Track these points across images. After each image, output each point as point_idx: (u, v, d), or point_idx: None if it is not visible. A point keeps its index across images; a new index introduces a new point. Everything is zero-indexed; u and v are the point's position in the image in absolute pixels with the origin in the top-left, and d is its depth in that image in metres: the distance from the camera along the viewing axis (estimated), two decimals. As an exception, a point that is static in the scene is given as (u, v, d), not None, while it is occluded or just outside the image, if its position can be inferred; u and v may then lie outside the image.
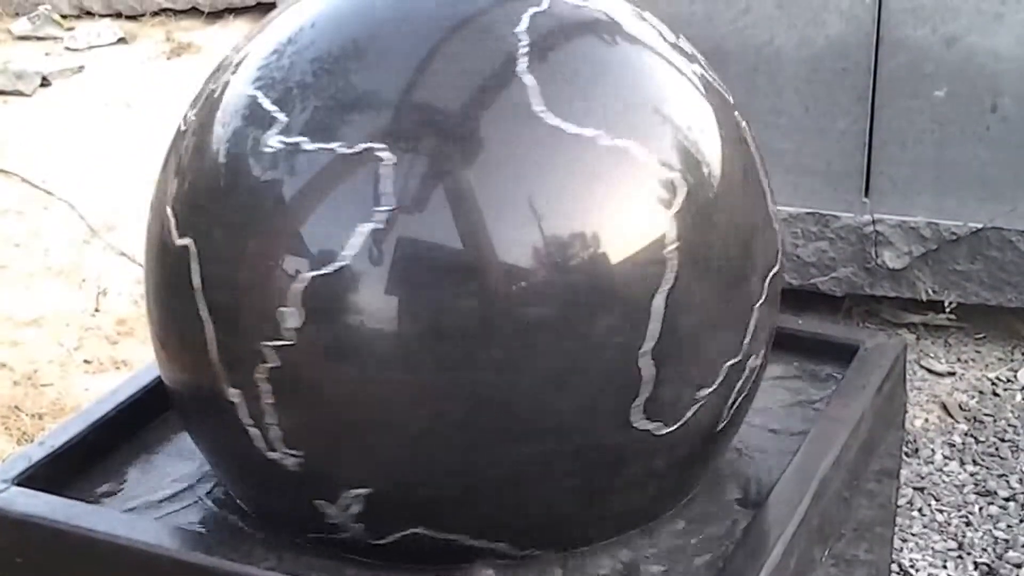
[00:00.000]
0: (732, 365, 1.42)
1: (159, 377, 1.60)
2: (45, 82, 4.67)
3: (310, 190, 1.35)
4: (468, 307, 1.31)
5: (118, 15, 5.32)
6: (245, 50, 1.47)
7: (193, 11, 5.25)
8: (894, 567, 2.02)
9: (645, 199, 1.36)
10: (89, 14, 5.36)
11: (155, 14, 5.26)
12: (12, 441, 2.38)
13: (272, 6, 4.72)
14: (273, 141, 1.35)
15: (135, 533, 1.45)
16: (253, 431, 1.38)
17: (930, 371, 2.63)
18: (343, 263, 1.31)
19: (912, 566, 2.08)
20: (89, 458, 1.62)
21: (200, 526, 1.53)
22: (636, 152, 1.36)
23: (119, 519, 1.50)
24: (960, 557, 2.09)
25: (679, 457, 1.44)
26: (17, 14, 5.42)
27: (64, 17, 5.38)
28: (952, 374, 2.62)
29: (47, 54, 4.94)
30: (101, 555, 1.46)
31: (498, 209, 1.32)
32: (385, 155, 1.31)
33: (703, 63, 1.51)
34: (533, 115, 1.33)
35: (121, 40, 5.08)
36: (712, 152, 1.43)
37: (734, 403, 1.46)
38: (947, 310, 2.74)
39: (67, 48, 5.03)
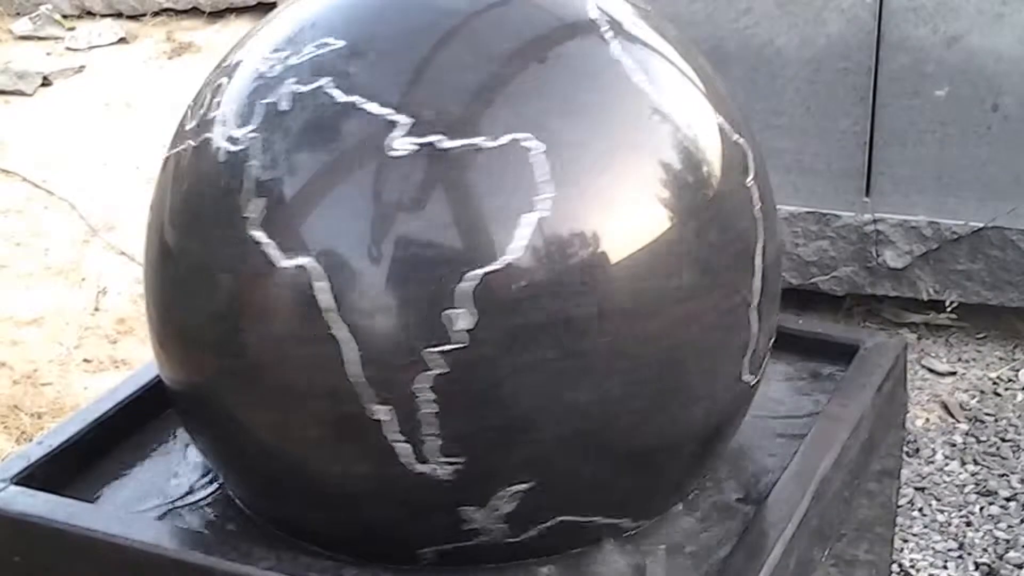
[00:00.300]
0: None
1: (158, 376, 1.60)
2: (46, 82, 4.67)
3: (459, 188, 1.32)
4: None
5: (119, 15, 5.32)
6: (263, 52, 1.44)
7: (194, 11, 5.25)
8: (895, 567, 2.02)
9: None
10: (90, 14, 5.36)
11: (156, 14, 5.26)
12: (11, 440, 2.38)
13: (273, 5, 4.72)
14: (402, 144, 1.31)
15: (133, 533, 1.45)
16: (402, 447, 1.32)
17: (931, 371, 2.62)
18: (513, 256, 1.30)
19: (913, 566, 2.08)
20: (88, 457, 1.62)
21: (199, 526, 1.53)
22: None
23: (118, 519, 1.49)
24: (961, 557, 2.09)
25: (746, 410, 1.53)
26: (18, 14, 5.42)
27: (65, 17, 5.37)
28: (953, 374, 2.61)
29: (48, 54, 4.94)
30: (99, 555, 1.45)
31: (643, 180, 1.38)
32: (531, 144, 1.31)
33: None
34: (633, 85, 1.39)
35: (122, 40, 5.08)
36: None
37: None
38: (948, 309, 2.74)
39: (68, 48, 5.03)
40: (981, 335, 2.72)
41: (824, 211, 2.75)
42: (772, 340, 1.58)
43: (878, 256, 2.73)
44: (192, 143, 1.43)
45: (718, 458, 1.59)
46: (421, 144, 1.30)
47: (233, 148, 1.37)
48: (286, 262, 1.32)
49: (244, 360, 1.39)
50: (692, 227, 1.39)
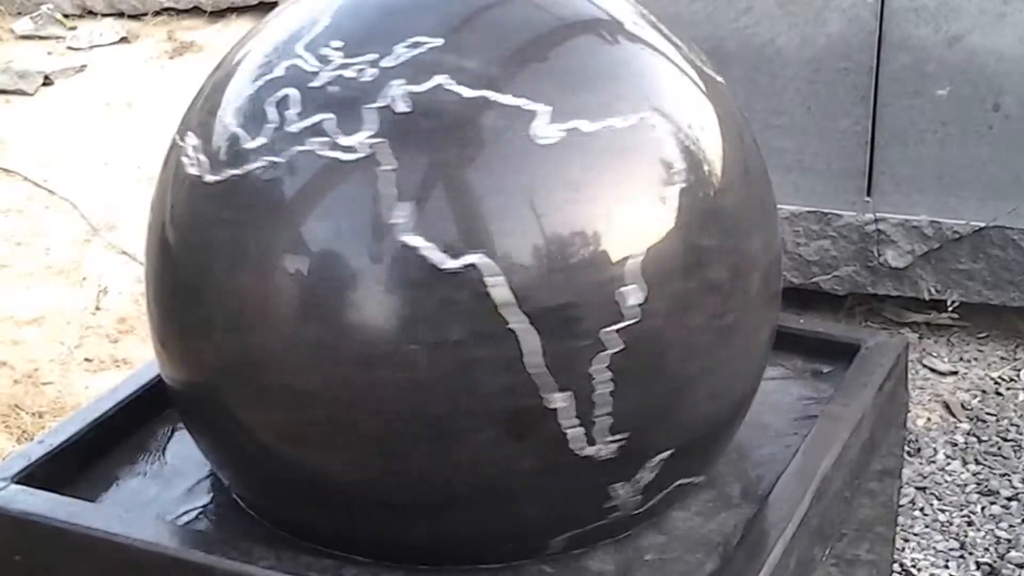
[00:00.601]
0: None
1: (159, 376, 1.60)
2: (47, 81, 4.67)
3: (601, 169, 1.35)
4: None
5: (120, 14, 5.32)
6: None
7: (195, 10, 5.25)
8: (896, 567, 2.02)
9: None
10: (91, 13, 5.36)
11: (157, 13, 5.26)
12: (12, 439, 2.38)
13: (273, 5, 4.72)
14: (548, 131, 1.33)
15: (134, 532, 1.45)
16: (574, 431, 1.34)
17: (932, 370, 2.62)
18: (669, 226, 1.36)
19: (914, 566, 2.07)
20: (89, 457, 1.62)
21: (199, 525, 1.53)
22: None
23: (118, 518, 1.49)
24: (962, 557, 2.09)
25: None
26: (20, 13, 5.43)
27: (66, 16, 5.38)
28: (954, 373, 2.61)
29: (49, 53, 4.94)
30: (100, 554, 1.45)
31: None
32: (658, 121, 1.38)
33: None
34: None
35: (123, 39, 5.08)
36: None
37: None
38: (949, 309, 2.73)
39: (69, 47, 5.03)
40: (983, 335, 2.72)
41: (825, 210, 2.75)
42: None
43: (879, 255, 2.73)
44: (274, 159, 1.36)
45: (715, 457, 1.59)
46: (566, 130, 1.33)
47: (351, 157, 1.35)
48: (451, 263, 1.30)
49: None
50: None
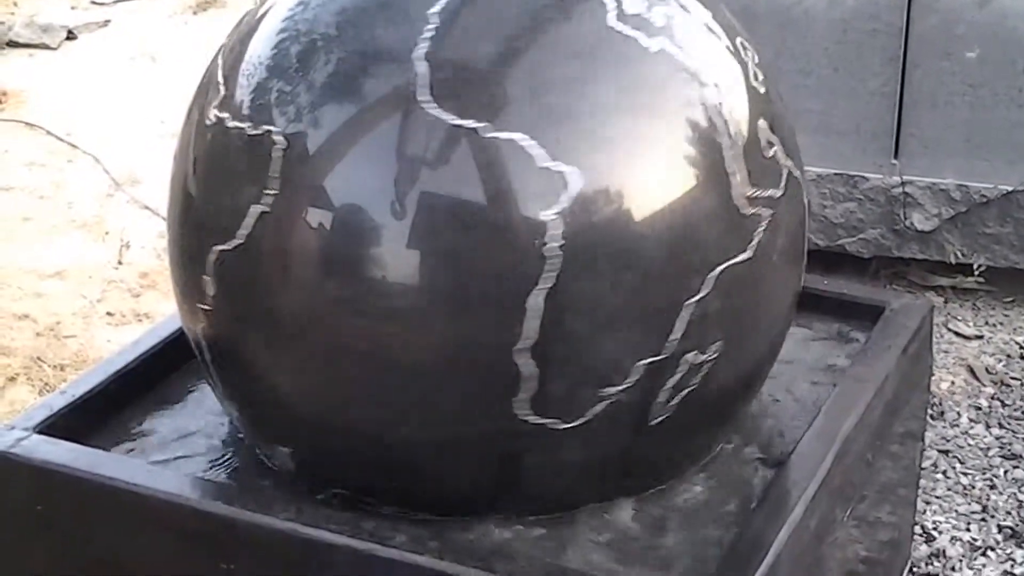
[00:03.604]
0: (652, 363, 1.36)
1: (180, 329, 1.60)
2: (71, 36, 4.66)
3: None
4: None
5: (144, -31, 5.30)
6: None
7: (219, -35, 5.23)
8: (917, 529, 2.01)
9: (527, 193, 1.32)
10: (116, -32, 5.34)
11: (181, -32, 5.24)
12: (34, 392, 2.39)
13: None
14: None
15: (156, 483, 1.46)
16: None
17: (957, 334, 2.61)
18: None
19: (935, 528, 2.07)
20: (111, 408, 1.62)
21: (220, 477, 1.53)
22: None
23: (140, 468, 1.50)
24: (984, 520, 2.08)
25: (602, 450, 1.42)
26: (44, -33, 5.41)
27: (91, -29, 5.36)
28: (979, 337, 2.59)
29: (73, 8, 4.92)
30: (122, 504, 1.46)
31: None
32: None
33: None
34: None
35: (147, -6, 5.07)
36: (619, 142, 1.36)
37: (671, 399, 1.40)
38: (976, 273, 2.71)
39: (93, 2, 5.01)
40: (1008, 299, 2.71)
41: (852, 173, 2.73)
42: (618, 388, 1.42)
43: (906, 219, 2.71)
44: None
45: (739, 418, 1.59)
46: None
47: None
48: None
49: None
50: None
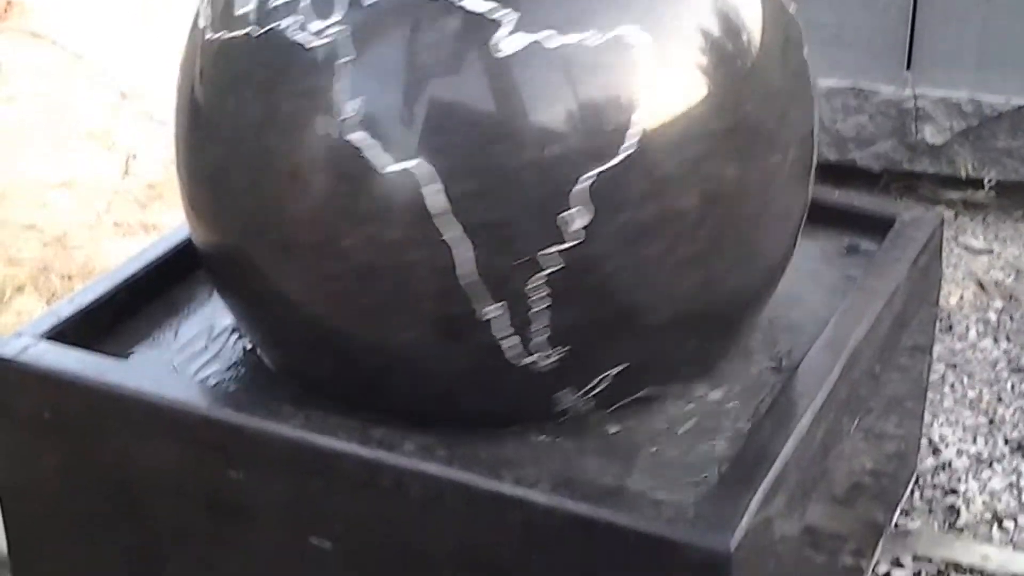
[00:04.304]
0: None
1: (188, 238, 1.59)
2: (76, -55, 4.61)
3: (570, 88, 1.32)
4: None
5: None
6: None
7: None
8: (923, 441, 2.02)
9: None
10: None
11: None
12: (42, 301, 2.39)
13: None
14: (509, 43, 1.30)
15: (164, 390, 1.46)
16: (509, 341, 1.36)
17: (967, 248, 2.59)
18: (627, 152, 1.31)
19: (942, 441, 2.07)
20: (118, 316, 1.63)
21: (228, 384, 1.54)
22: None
23: (149, 376, 1.50)
24: (991, 433, 2.08)
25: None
26: None
27: None
28: (989, 251, 2.58)
29: (78, -84, 4.87)
30: (130, 411, 1.46)
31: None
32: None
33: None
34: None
35: (153, -97, 5.00)
36: None
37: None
38: (986, 187, 2.70)
39: (98, -90, 4.96)
40: (1019, 213, 2.69)
41: (864, 86, 2.71)
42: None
43: (917, 132, 2.69)
44: (252, 30, 1.37)
45: (753, 327, 1.59)
46: (530, 42, 1.29)
47: (315, 43, 1.33)
48: (393, 167, 1.30)
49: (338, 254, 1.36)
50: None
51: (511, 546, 1.33)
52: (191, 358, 1.58)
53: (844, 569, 1.67)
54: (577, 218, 1.30)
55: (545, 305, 1.34)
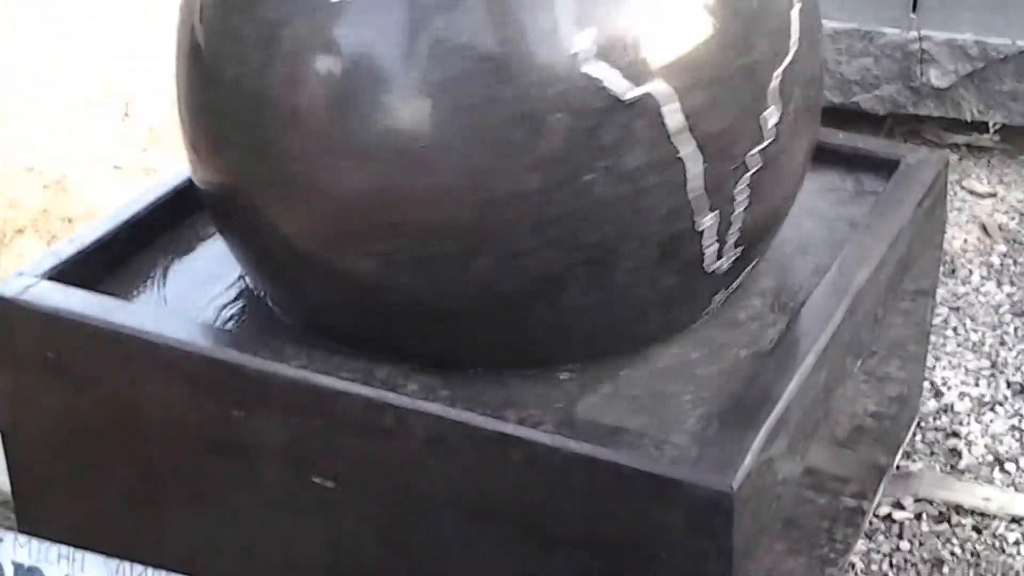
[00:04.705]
0: None
1: (189, 179, 1.59)
2: None
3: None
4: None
5: None
6: None
7: None
8: (926, 385, 2.02)
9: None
10: None
11: None
12: (42, 243, 2.38)
13: None
14: None
15: (166, 329, 1.45)
16: (712, 248, 1.42)
17: (971, 192, 2.58)
18: (795, 48, 1.43)
19: (944, 384, 2.07)
20: (120, 257, 1.62)
21: (230, 325, 1.53)
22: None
23: (151, 315, 1.50)
24: (993, 376, 2.08)
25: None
26: None
27: None
28: (993, 195, 2.57)
29: None
30: (132, 351, 1.46)
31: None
32: None
33: None
34: None
35: None
36: None
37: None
38: (991, 131, 2.68)
39: None
40: (1023, 157, 2.68)
41: (868, 28, 2.69)
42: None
43: (922, 75, 2.67)
44: None
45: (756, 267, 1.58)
46: None
47: None
48: (635, 92, 1.31)
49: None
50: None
51: (514, 487, 1.33)
52: (192, 299, 1.57)
53: (846, 511, 1.67)
54: (771, 116, 1.41)
55: (743, 207, 1.42)
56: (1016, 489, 1.88)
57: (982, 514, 1.83)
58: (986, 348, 2.15)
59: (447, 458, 1.35)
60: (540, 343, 1.45)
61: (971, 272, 2.34)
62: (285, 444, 1.41)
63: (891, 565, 1.76)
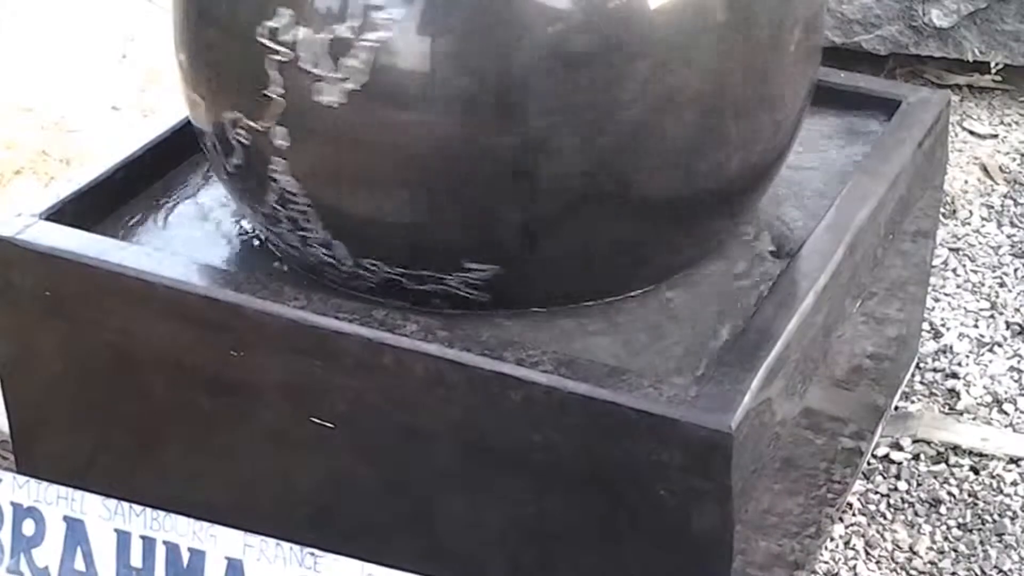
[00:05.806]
0: None
1: (187, 119, 1.58)
2: None
3: None
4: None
5: None
6: None
7: None
8: (925, 325, 2.02)
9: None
10: None
11: None
12: (40, 184, 2.38)
13: None
14: None
15: (164, 270, 1.45)
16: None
17: (972, 133, 2.57)
18: None
19: (943, 324, 2.07)
20: (118, 197, 1.62)
21: (228, 265, 1.53)
22: None
23: (149, 256, 1.49)
24: (992, 317, 2.08)
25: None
26: None
27: None
28: (994, 136, 2.56)
29: None
30: (130, 291, 1.46)
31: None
32: None
33: None
34: None
35: None
36: None
37: None
38: (993, 71, 2.67)
39: None
40: (1025, 98, 2.67)
41: (870, -33, 2.67)
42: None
43: (924, 15, 2.65)
44: None
45: (750, 210, 1.58)
46: None
47: None
48: None
49: None
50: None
51: (512, 427, 1.33)
52: (191, 239, 1.57)
53: (844, 451, 1.68)
54: None
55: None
56: (1014, 430, 1.88)
57: (980, 454, 1.83)
58: (985, 289, 2.15)
59: (445, 398, 1.35)
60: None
61: (971, 213, 2.34)
62: (283, 385, 1.42)
63: (889, 505, 1.76)
